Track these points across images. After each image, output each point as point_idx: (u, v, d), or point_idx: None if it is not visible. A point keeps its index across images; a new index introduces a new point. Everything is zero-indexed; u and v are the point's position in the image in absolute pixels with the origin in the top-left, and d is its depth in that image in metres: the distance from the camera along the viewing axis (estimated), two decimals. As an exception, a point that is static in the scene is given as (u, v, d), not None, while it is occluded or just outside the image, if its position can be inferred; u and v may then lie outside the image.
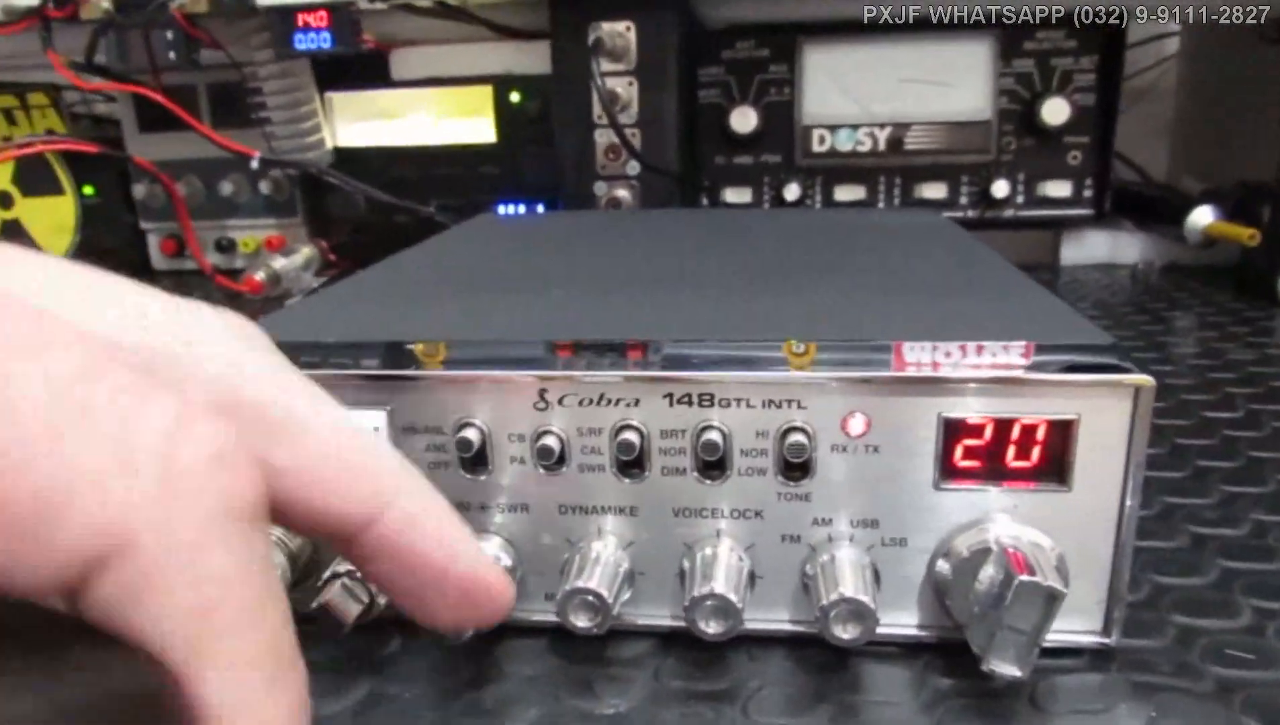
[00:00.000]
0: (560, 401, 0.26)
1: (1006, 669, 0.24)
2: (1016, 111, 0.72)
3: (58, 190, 0.87)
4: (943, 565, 0.26)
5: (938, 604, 0.27)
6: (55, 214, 0.88)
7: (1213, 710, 0.24)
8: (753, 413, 0.26)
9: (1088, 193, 0.73)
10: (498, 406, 0.27)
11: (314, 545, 0.29)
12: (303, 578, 0.29)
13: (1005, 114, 0.72)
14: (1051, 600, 0.23)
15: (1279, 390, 0.47)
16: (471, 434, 0.27)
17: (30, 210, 0.88)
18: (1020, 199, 0.74)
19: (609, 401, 0.26)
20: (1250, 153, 0.74)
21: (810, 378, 0.25)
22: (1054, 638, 0.26)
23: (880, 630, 0.26)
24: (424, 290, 0.38)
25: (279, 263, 0.78)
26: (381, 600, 0.27)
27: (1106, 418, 0.25)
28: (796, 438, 0.26)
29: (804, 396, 0.26)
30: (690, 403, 0.26)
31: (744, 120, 0.74)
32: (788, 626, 0.28)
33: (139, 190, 0.86)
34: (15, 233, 0.88)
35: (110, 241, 0.89)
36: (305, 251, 0.82)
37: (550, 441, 0.27)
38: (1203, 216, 0.68)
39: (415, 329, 0.30)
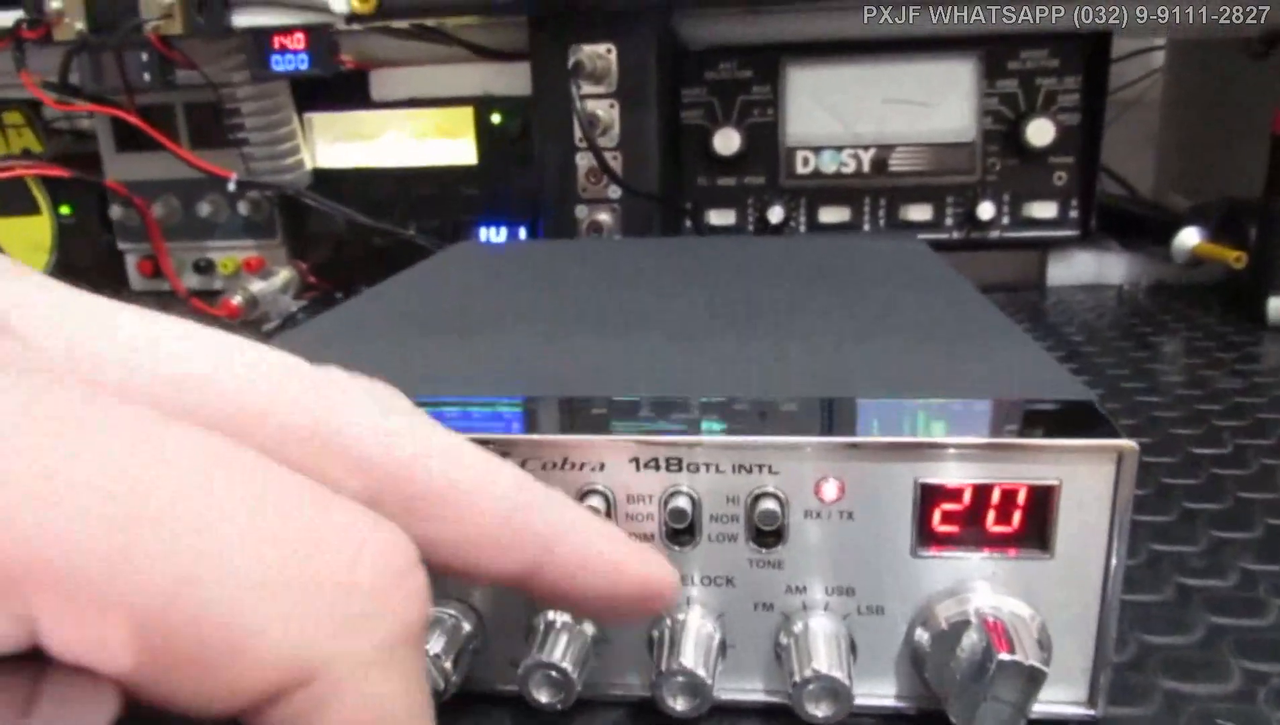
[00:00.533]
0: (523, 463, 0.25)
1: (986, 749, 0.23)
2: (1001, 132, 0.71)
3: (34, 210, 0.86)
4: (921, 635, 0.25)
5: (916, 675, 0.26)
6: (32, 233, 0.87)
7: (1200, 788, 0.23)
8: (722, 477, 0.25)
9: (1073, 213, 0.72)
10: (459, 470, 0.26)
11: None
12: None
13: (990, 135, 0.72)
14: (1033, 679, 0.22)
15: (1265, 422, 0.47)
16: (431, 499, 0.26)
17: (6, 230, 0.87)
18: (1006, 220, 0.73)
19: (572, 465, 0.25)
20: (1236, 167, 0.73)
21: (782, 442, 0.24)
22: (1038, 708, 0.25)
23: (857, 701, 0.25)
24: (396, 335, 0.37)
25: (257, 286, 0.77)
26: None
27: (1089, 483, 0.24)
28: (768, 504, 0.25)
29: (775, 461, 0.25)
30: (657, 467, 0.25)
31: (727, 142, 0.73)
32: (761, 697, 0.27)
33: (116, 211, 0.85)
34: (-11, 255, 0.87)
35: (87, 261, 0.87)
36: (284, 274, 0.80)
37: (513, 507, 0.26)
38: (1190, 237, 0.67)
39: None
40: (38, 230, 0.87)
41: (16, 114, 0.86)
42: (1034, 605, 0.25)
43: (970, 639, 0.24)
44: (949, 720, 0.24)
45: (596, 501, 0.25)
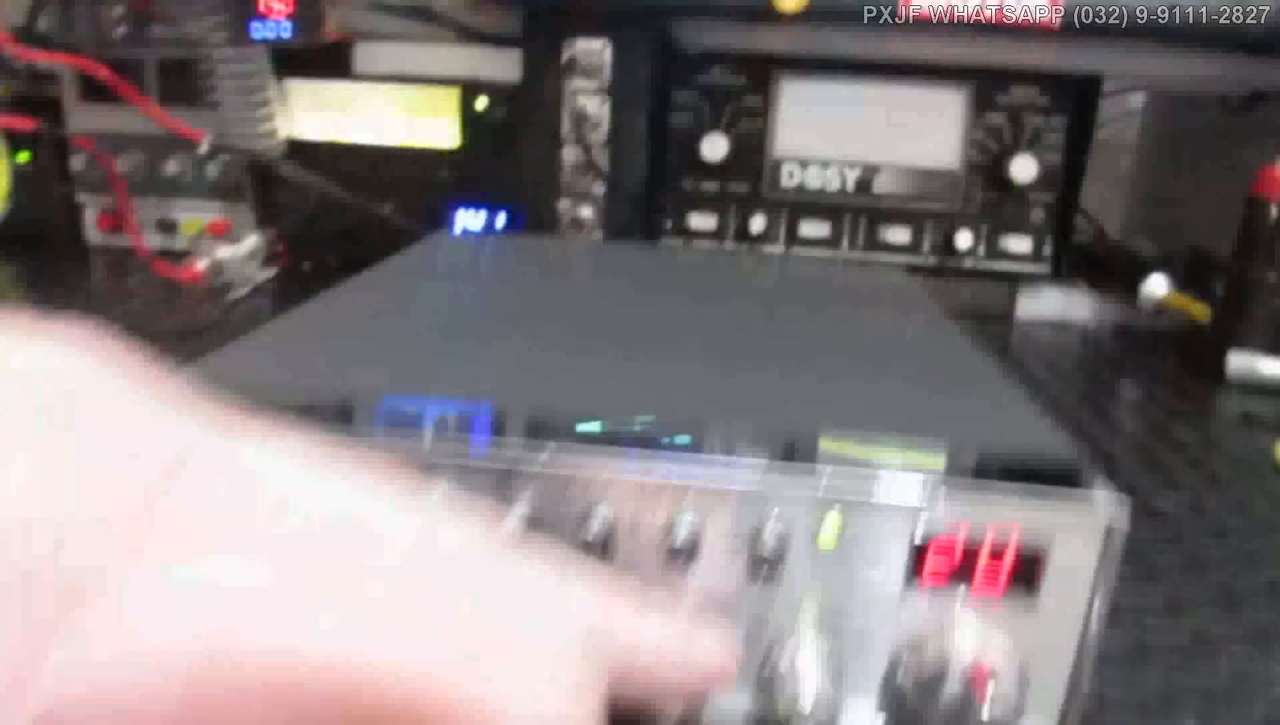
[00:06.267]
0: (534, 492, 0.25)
1: (961, 799, 0.23)
2: (984, 165, 0.72)
3: (-12, 154, 0.83)
4: (905, 675, 0.26)
5: (901, 710, 0.26)
6: (-16, 179, 0.83)
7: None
8: (726, 512, 0.25)
9: (1048, 250, 0.74)
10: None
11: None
12: None
13: (974, 167, 0.72)
14: (1011, 733, 0.23)
15: (1221, 478, 0.48)
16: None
17: (-43, 173, 0.83)
18: (981, 251, 0.74)
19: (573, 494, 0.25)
20: (1206, 218, 0.75)
21: (787, 482, 0.24)
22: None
23: (838, 732, 0.25)
24: (372, 340, 0.36)
25: (223, 252, 0.75)
26: None
27: (1076, 543, 0.24)
28: (768, 539, 0.25)
29: (776, 501, 0.25)
30: (662, 497, 0.25)
31: (714, 148, 0.73)
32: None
33: (77, 162, 0.82)
34: (-61, 196, 0.83)
35: (41, 213, 0.84)
36: (251, 240, 0.78)
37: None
38: (1158, 286, 0.69)
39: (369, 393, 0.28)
40: (-8, 175, 0.83)
41: (-24, 48, 0.82)
42: (1016, 645, 0.25)
43: (952, 680, 0.24)
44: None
45: (599, 523, 0.25)
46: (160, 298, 0.71)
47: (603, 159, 0.70)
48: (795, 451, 0.26)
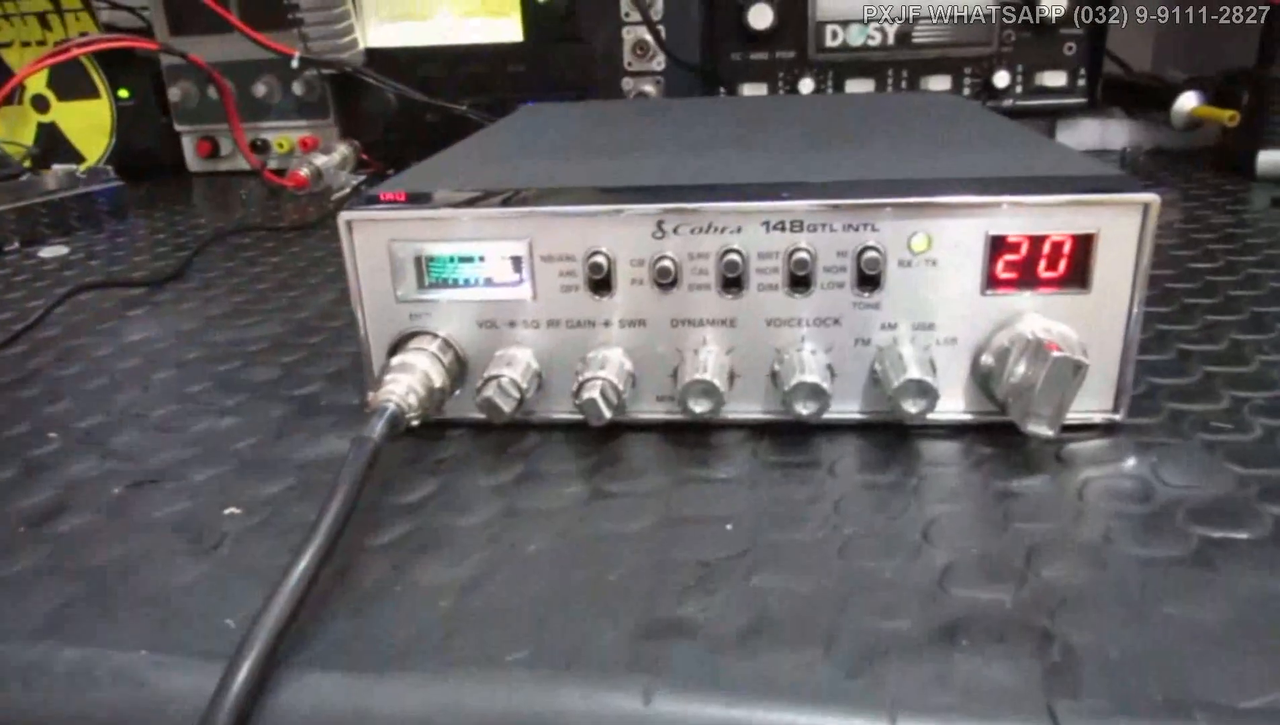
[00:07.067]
0: (675, 230, 0.32)
1: (1041, 430, 0.30)
2: (1016, 5, 0.77)
3: (94, 93, 0.90)
4: (987, 358, 0.32)
5: (982, 393, 0.33)
6: (91, 117, 0.91)
7: (1200, 458, 0.31)
8: (834, 235, 0.32)
9: (1081, 82, 0.78)
10: (621, 237, 0.32)
11: (461, 362, 0.35)
12: (451, 389, 0.34)
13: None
14: (1077, 370, 0.30)
15: (1254, 245, 0.54)
16: (600, 260, 0.32)
17: (67, 114, 0.91)
18: (1019, 89, 0.79)
19: (715, 229, 0.32)
20: (1233, 42, 0.79)
21: (886, 202, 0.31)
22: (1073, 415, 0.32)
23: (934, 416, 0.32)
24: (524, 156, 0.43)
25: (320, 160, 0.82)
26: (530, 394, 0.33)
27: (1120, 230, 0.31)
28: (870, 255, 0.31)
29: (876, 220, 0.31)
30: (783, 229, 0.32)
31: (761, 16, 0.78)
32: (858, 415, 0.34)
33: (174, 93, 0.90)
34: (53, 136, 0.91)
35: (145, 143, 0.92)
36: (341, 150, 0.85)
37: (666, 264, 0.32)
38: (1188, 101, 0.74)
39: (541, 178, 0.35)
40: (98, 114, 0.91)
41: (73, -1, 0.89)
42: (1075, 330, 0.32)
43: (1027, 350, 0.31)
44: (1009, 427, 0.31)
45: (734, 257, 0.32)
46: (272, 205, 0.79)
47: (661, 36, 0.75)
48: (895, 187, 0.32)
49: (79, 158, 0.91)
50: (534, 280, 0.33)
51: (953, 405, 0.34)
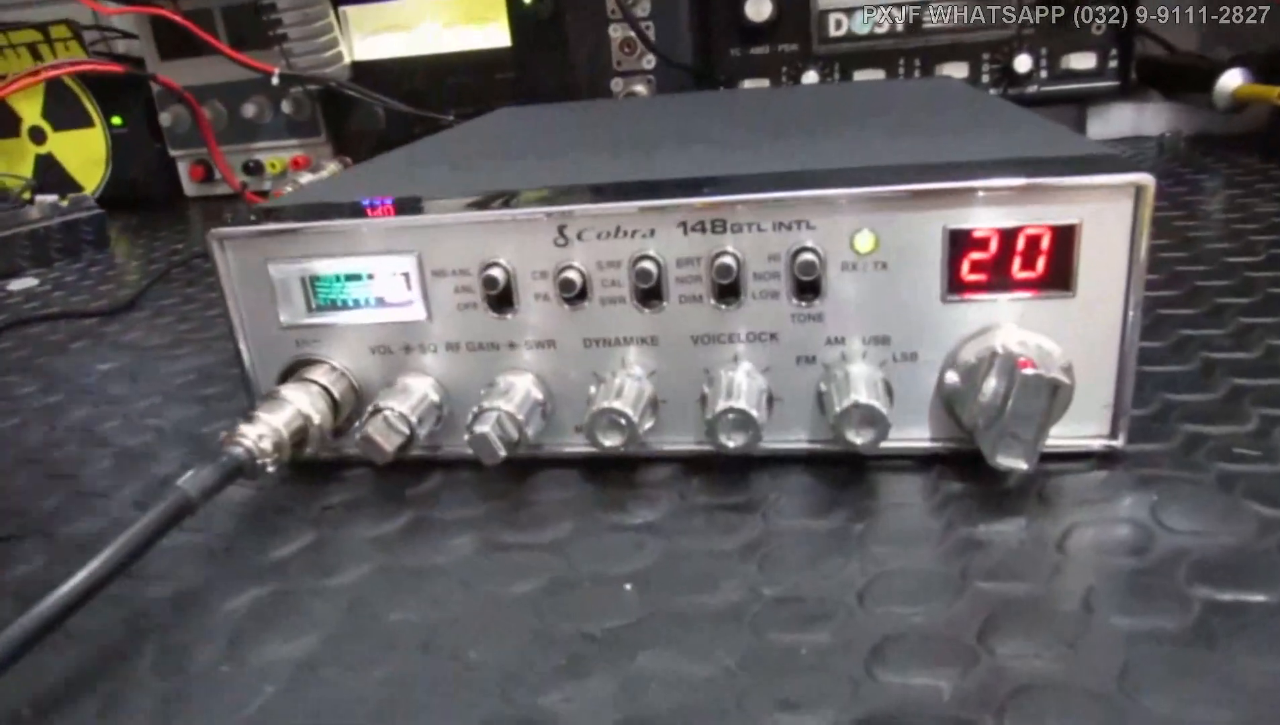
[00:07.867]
0: (579, 236, 0.28)
1: (1013, 463, 0.25)
2: (1037, -18, 0.71)
3: (87, 122, 0.89)
4: (951, 376, 0.27)
5: (948, 416, 0.28)
6: (87, 147, 0.90)
7: (1214, 495, 0.25)
8: (764, 236, 0.27)
9: (1112, 64, 0.72)
10: (520, 246, 0.28)
11: (356, 392, 0.30)
12: (346, 423, 0.30)
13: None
14: (1054, 392, 0.24)
15: (1302, 236, 0.47)
16: (496, 273, 0.28)
17: (63, 144, 0.90)
18: (1044, 74, 0.72)
19: (625, 233, 0.27)
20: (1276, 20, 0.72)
21: (817, 195, 0.26)
22: (1063, 443, 0.27)
23: (894, 444, 0.27)
24: (440, 162, 0.39)
25: (305, 179, 0.79)
26: (421, 433, 0.29)
27: (1108, 220, 0.25)
28: (806, 257, 0.27)
29: (812, 216, 0.26)
30: (703, 230, 0.27)
31: (759, 8, 0.73)
32: (805, 445, 0.29)
33: (165, 118, 0.88)
34: (50, 167, 0.90)
35: (140, 171, 0.90)
36: (331, 168, 0.83)
37: (571, 276, 0.28)
38: (1232, 80, 0.67)
39: (435, 187, 0.31)
40: (93, 143, 0.90)
41: (64, 27, 0.88)
42: (1059, 342, 0.26)
43: (997, 368, 0.25)
44: (980, 457, 0.26)
45: (649, 266, 0.27)
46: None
47: (649, 33, 0.71)
48: (836, 176, 0.27)
49: (77, 187, 0.90)
50: (426, 298, 0.29)
51: (916, 432, 0.28)
